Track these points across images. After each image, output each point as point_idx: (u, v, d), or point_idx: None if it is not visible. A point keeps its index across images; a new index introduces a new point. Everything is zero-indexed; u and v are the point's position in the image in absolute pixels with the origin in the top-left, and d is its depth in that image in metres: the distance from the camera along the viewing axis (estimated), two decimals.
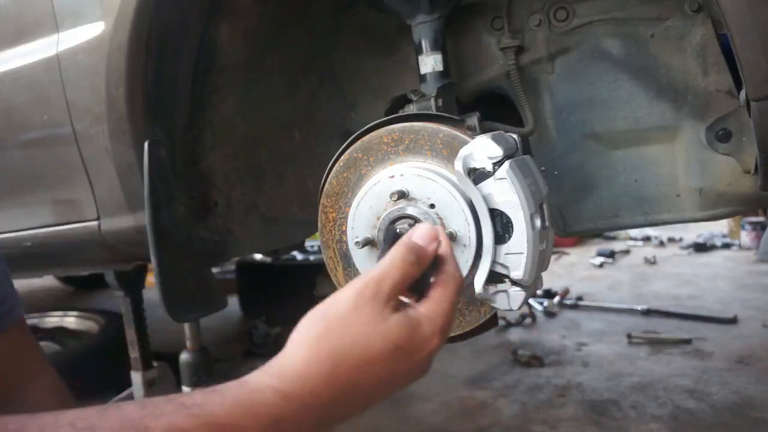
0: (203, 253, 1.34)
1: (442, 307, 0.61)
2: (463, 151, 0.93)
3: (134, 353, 1.96)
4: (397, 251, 0.61)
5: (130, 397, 1.95)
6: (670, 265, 4.27)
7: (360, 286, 0.58)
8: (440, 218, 0.95)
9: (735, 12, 0.86)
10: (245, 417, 0.49)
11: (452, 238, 0.94)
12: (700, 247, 4.63)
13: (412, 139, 1.01)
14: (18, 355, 0.88)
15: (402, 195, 0.96)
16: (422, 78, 1.23)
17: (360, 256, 1.02)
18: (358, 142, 1.05)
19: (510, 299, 0.93)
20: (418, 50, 1.23)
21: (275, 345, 2.75)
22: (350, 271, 1.06)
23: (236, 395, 0.50)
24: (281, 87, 1.46)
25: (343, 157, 1.06)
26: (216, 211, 1.39)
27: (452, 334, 1.03)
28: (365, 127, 1.05)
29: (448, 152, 0.98)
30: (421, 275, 0.65)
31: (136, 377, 1.93)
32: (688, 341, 2.65)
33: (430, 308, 0.61)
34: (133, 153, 1.22)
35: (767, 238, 4.16)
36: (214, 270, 1.43)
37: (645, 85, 1.27)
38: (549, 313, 3.23)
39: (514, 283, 0.93)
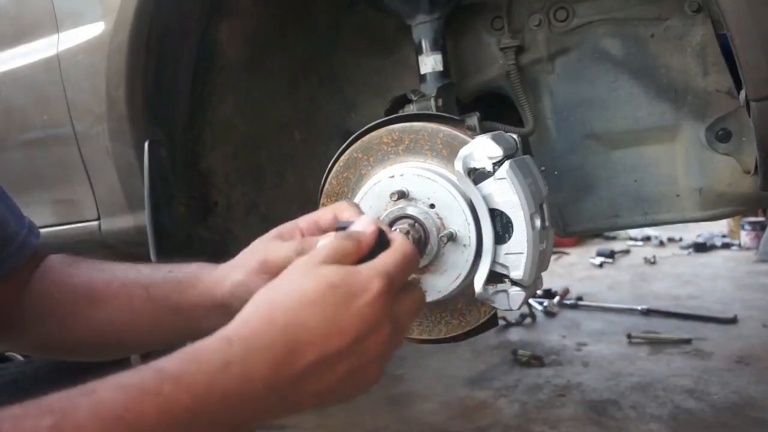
0: (203, 253, 1.34)
1: (383, 261, 0.59)
2: (463, 151, 0.93)
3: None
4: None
5: None
6: (670, 265, 4.27)
7: (299, 259, 0.60)
8: (440, 218, 0.95)
9: (735, 12, 0.86)
10: (192, 363, 0.50)
11: (452, 238, 0.94)
12: (700, 247, 4.63)
13: (412, 139, 1.01)
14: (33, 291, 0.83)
15: (402, 195, 0.96)
16: (422, 78, 1.24)
17: None
18: (358, 142, 1.05)
19: (510, 299, 0.93)
20: (418, 50, 1.23)
21: None
22: None
23: (183, 349, 0.51)
24: (281, 87, 1.47)
25: (343, 157, 1.06)
26: (216, 211, 1.39)
27: (452, 334, 1.03)
28: (365, 127, 1.05)
29: (448, 152, 0.98)
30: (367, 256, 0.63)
31: None
32: (688, 341, 2.65)
33: (368, 263, 0.59)
34: (133, 153, 1.22)
35: (767, 238, 4.16)
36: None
37: (645, 85, 1.27)
38: (549, 313, 3.23)
39: (514, 283, 0.93)
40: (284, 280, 0.57)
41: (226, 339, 0.52)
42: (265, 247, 0.80)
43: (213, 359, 0.50)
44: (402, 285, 0.59)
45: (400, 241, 0.61)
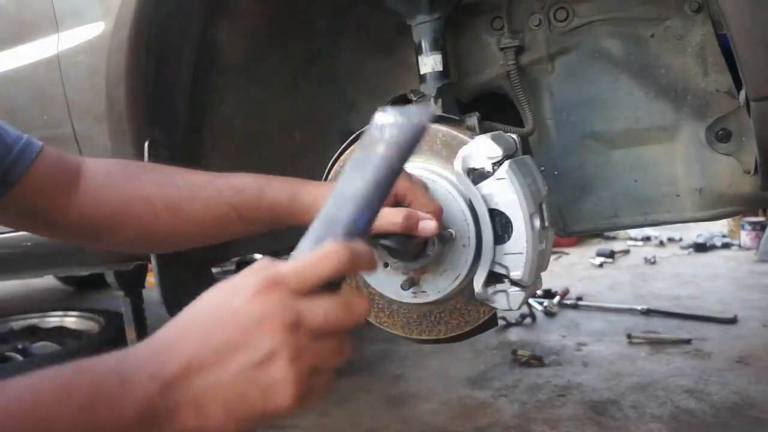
0: (203, 253, 1.34)
1: (285, 263, 0.54)
2: (463, 151, 0.93)
3: None
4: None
5: None
6: (670, 265, 4.27)
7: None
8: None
9: (735, 12, 0.86)
10: (99, 359, 0.51)
11: (452, 238, 0.94)
12: (700, 247, 4.62)
13: None
14: (53, 180, 0.87)
15: None
16: (422, 78, 1.24)
17: None
18: (358, 142, 1.05)
19: (509, 299, 0.93)
20: (418, 50, 1.23)
21: None
22: None
23: None
24: (281, 87, 1.47)
25: (343, 157, 1.06)
26: None
27: (452, 334, 1.04)
28: (365, 127, 1.05)
29: (447, 152, 0.98)
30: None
31: None
32: (688, 341, 2.65)
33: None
34: (133, 153, 1.22)
35: (767, 238, 4.15)
36: (214, 270, 1.43)
37: (645, 85, 1.27)
38: (549, 313, 3.23)
39: (514, 283, 0.93)
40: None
41: (143, 342, 0.53)
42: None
43: (117, 354, 0.51)
44: (312, 286, 0.53)
45: (319, 254, 0.54)
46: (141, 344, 0.52)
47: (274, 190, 0.92)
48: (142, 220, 0.90)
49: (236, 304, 0.51)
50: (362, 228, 0.56)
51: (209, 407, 0.50)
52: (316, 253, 0.53)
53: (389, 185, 0.58)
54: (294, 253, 0.57)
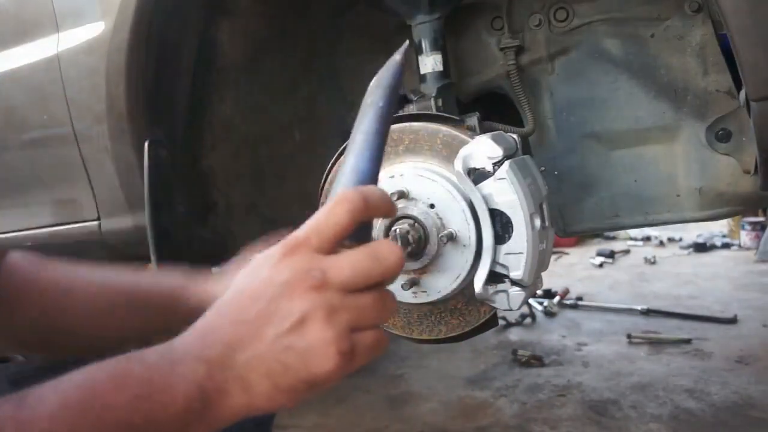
0: (203, 253, 1.34)
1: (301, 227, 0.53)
2: (463, 151, 0.93)
3: None
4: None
5: None
6: (669, 265, 4.27)
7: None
8: (440, 218, 0.95)
9: (735, 12, 0.86)
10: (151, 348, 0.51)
11: (452, 238, 0.94)
12: (700, 247, 4.62)
13: (412, 139, 1.01)
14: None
15: (402, 195, 0.96)
16: (422, 78, 1.24)
17: None
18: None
19: (510, 299, 0.93)
20: (418, 50, 1.23)
21: None
22: None
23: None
24: (281, 87, 1.47)
25: (343, 158, 1.06)
26: (216, 211, 1.39)
27: (452, 334, 1.04)
28: None
29: (447, 152, 0.98)
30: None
31: None
32: (688, 341, 2.65)
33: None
34: (133, 153, 1.22)
35: (767, 238, 4.15)
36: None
37: (645, 85, 1.27)
38: (549, 313, 3.23)
39: (514, 283, 0.93)
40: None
41: (188, 329, 0.53)
42: (253, 252, 0.81)
43: (165, 344, 0.51)
44: (333, 239, 0.52)
45: (330, 205, 0.52)
46: (187, 331, 0.52)
47: (177, 277, 0.86)
48: (45, 298, 0.83)
49: (263, 274, 0.51)
50: (366, 170, 0.57)
51: (254, 381, 0.50)
52: (327, 205, 0.52)
53: (382, 126, 0.60)
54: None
